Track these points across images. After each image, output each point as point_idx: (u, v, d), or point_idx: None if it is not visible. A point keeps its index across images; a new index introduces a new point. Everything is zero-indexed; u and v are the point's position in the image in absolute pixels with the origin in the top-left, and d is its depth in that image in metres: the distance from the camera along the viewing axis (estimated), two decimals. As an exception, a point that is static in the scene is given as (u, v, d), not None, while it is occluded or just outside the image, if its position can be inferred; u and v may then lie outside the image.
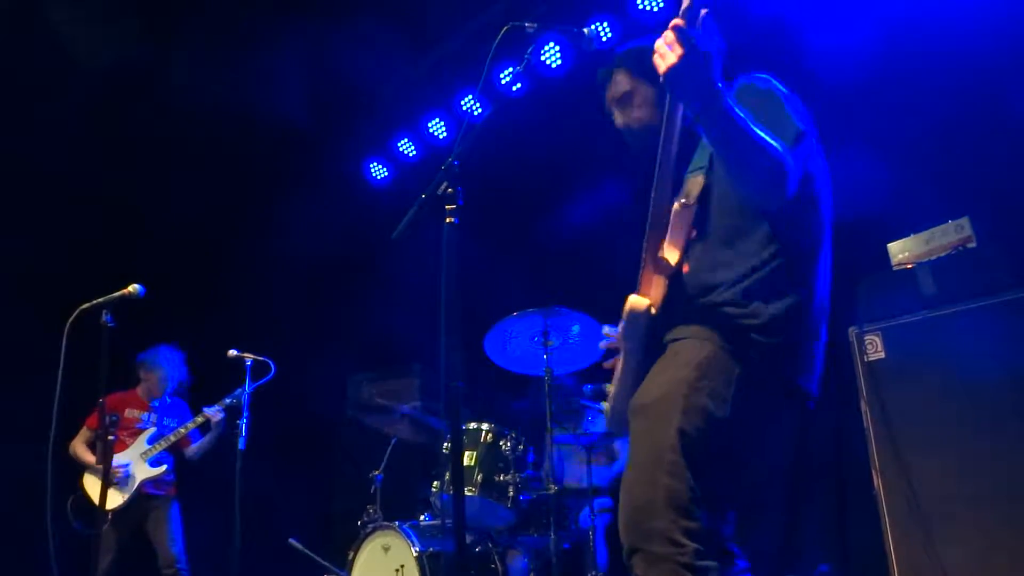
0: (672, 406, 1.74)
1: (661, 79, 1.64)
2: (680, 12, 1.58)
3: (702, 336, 1.79)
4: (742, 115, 1.67)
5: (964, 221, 3.08)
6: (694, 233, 1.87)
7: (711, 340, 1.77)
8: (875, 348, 3.07)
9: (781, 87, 1.94)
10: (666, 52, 1.62)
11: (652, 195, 1.87)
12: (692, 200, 1.87)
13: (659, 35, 1.64)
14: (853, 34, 4.06)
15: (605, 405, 2.03)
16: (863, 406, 3.05)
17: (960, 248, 3.05)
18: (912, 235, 3.20)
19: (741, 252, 1.83)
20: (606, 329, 2.17)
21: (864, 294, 3.18)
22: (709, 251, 1.86)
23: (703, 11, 1.58)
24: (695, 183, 1.89)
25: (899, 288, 3.09)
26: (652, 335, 1.84)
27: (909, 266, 3.13)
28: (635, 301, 1.85)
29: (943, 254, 3.07)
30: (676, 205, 1.88)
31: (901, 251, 3.21)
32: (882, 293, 3.13)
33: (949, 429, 2.84)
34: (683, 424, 1.72)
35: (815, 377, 1.86)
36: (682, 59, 1.59)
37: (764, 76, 1.97)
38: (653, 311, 1.85)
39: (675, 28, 1.59)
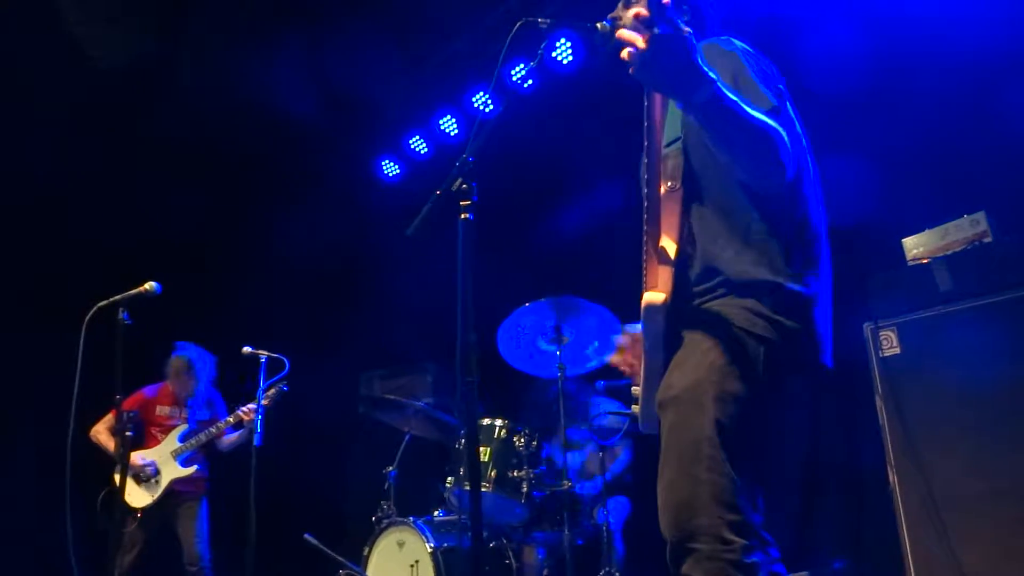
0: (704, 395, 1.69)
1: (633, 73, 1.53)
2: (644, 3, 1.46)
3: (720, 321, 1.75)
4: (734, 97, 1.58)
5: (980, 216, 3.06)
6: (685, 217, 1.83)
7: (730, 324, 1.74)
8: (890, 344, 3.05)
9: (743, 46, 1.88)
10: (633, 39, 1.49)
11: (644, 179, 1.83)
12: (677, 184, 1.82)
13: None
14: (863, 30, 4.04)
15: (635, 408, 1.99)
16: (878, 402, 3.04)
17: (976, 243, 3.03)
18: (927, 230, 3.18)
19: (736, 229, 1.80)
20: (620, 334, 2.16)
21: (879, 289, 3.16)
22: (704, 233, 1.83)
23: (665, 1, 1.46)
24: (675, 161, 1.83)
25: (914, 283, 3.07)
26: (669, 330, 1.80)
27: (924, 261, 3.11)
28: (651, 297, 1.78)
29: (959, 249, 3.05)
30: (663, 188, 1.84)
31: (916, 246, 3.19)
32: (897, 288, 3.11)
33: (965, 425, 2.82)
34: (718, 414, 1.67)
35: (829, 351, 1.83)
36: (655, 55, 1.48)
37: (724, 37, 1.91)
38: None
39: (636, 17, 1.46)
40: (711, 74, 1.54)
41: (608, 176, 5.08)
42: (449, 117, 5.97)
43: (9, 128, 5.27)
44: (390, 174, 6.47)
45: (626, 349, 2.14)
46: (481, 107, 5.70)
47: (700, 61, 1.52)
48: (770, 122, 1.64)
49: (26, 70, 5.21)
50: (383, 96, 6.17)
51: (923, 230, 3.19)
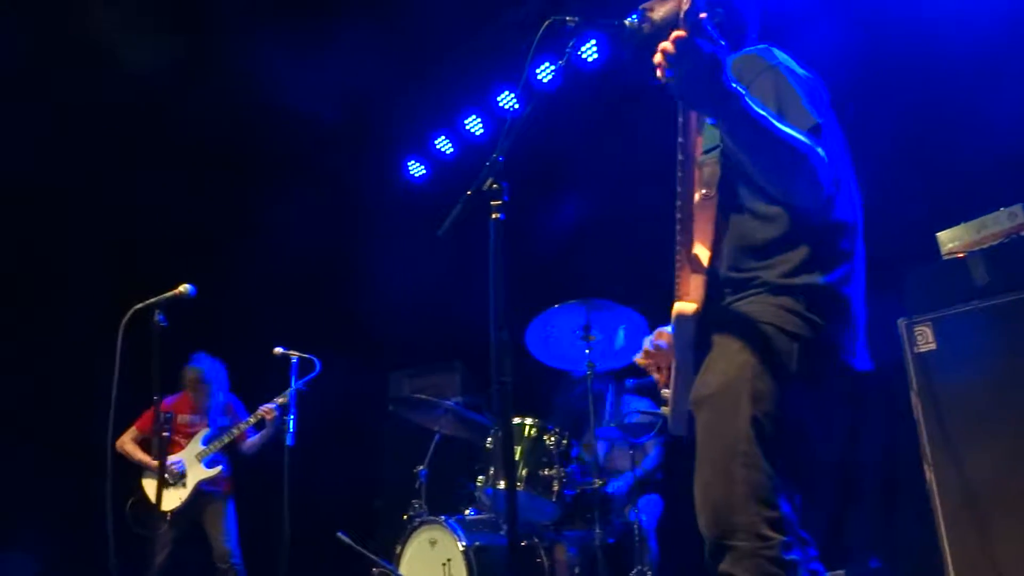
0: (739, 393, 1.70)
1: (670, 91, 1.58)
2: (680, 22, 1.50)
3: (753, 320, 1.75)
4: (764, 113, 1.60)
5: (1017, 208, 3.00)
6: (720, 224, 1.84)
7: (763, 322, 1.74)
8: (925, 339, 3.01)
9: (785, 59, 1.88)
10: (668, 63, 1.53)
11: (677, 191, 1.85)
12: (713, 191, 1.82)
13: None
14: (896, 20, 3.98)
15: (665, 409, 2.00)
16: (913, 399, 2.99)
17: (1013, 236, 2.97)
18: (963, 223, 3.12)
19: (770, 235, 1.80)
20: (647, 339, 2.16)
21: (913, 284, 3.11)
22: (738, 240, 1.83)
23: (702, 15, 1.49)
24: (712, 169, 1.84)
25: (950, 278, 3.02)
26: (700, 336, 1.81)
27: (960, 255, 3.05)
28: (682, 307, 1.80)
29: (996, 242, 2.99)
30: (697, 196, 1.85)
31: (951, 240, 3.14)
32: (932, 283, 3.06)
33: (1002, 422, 2.77)
34: (755, 411, 1.68)
35: (861, 355, 1.83)
36: (686, 69, 1.52)
37: (763, 46, 1.91)
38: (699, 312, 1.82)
39: (675, 41, 1.50)
40: (739, 89, 1.56)
41: (634, 173, 5.05)
42: (474, 117, 5.98)
43: (33, 131, 5.36)
44: (416, 175, 6.50)
45: (654, 353, 2.13)
46: (507, 106, 5.70)
47: (726, 76, 1.54)
48: (804, 140, 1.64)
49: (48, 71, 5.28)
50: (408, 97, 6.20)
51: (958, 223, 3.13)
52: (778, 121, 1.63)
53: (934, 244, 3.18)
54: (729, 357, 1.75)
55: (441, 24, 5.45)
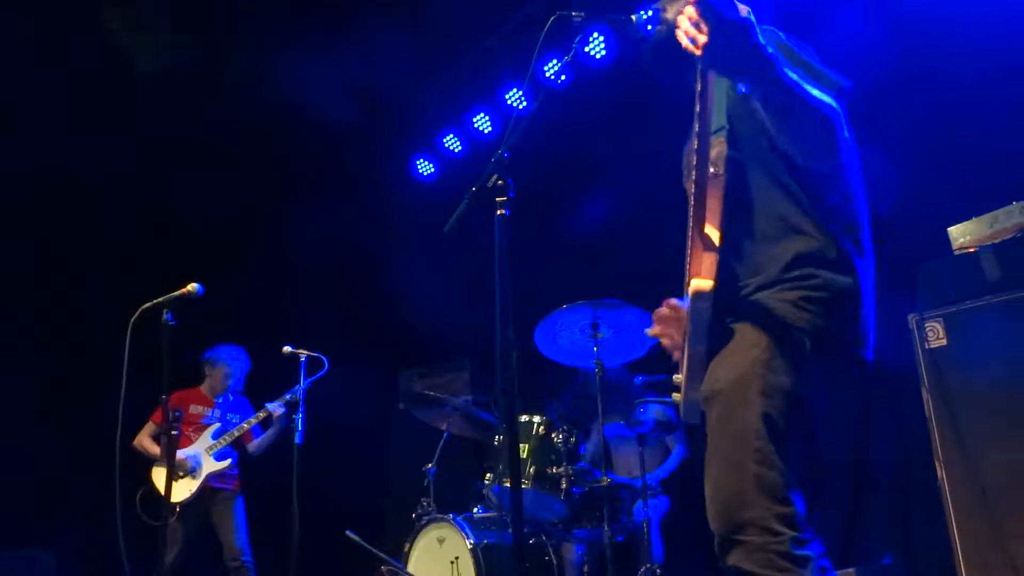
0: (749, 388, 1.69)
1: (698, 61, 1.57)
2: None
3: (765, 314, 1.74)
4: (795, 77, 1.61)
5: (1029, 203, 2.97)
6: (728, 204, 1.81)
7: (776, 317, 1.73)
8: (936, 335, 2.98)
9: (789, 40, 1.90)
10: (693, 31, 1.51)
11: (689, 165, 1.83)
12: (721, 169, 1.81)
13: None
14: (904, 13, 3.95)
15: (676, 396, 1.97)
16: (924, 395, 2.97)
17: (1026, 230, 2.94)
18: (974, 218, 3.09)
19: (781, 220, 1.79)
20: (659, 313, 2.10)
21: (924, 280, 3.08)
22: (748, 223, 1.82)
23: None
24: (719, 148, 1.83)
25: (961, 273, 2.99)
26: (714, 317, 1.78)
27: (971, 250, 3.02)
28: (700, 284, 1.75)
29: (1008, 237, 2.96)
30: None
31: (962, 235, 3.10)
32: (943, 279, 3.04)
33: (1014, 418, 2.74)
34: (765, 407, 1.67)
35: (871, 346, 1.82)
36: (714, 36, 1.49)
37: (769, 28, 1.90)
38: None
39: (697, 3, 1.48)
40: (775, 55, 1.57)
41: (642, 170, 5.03)
42: (483, 115, 5.96)
43: (48, 131, 5.39)
44: (425, 173, 6.50)
45: (666, 319, 2.08)
46: (515, 104, 5.68)
47: (762, 43, 1.54)
48: (829, 101, 1.67)
49: (63, 70, 5.31)
50: (417, 95, 6.20)
51: (970, 218, 3.10)
52: (810, 85, 1.65)
53: (945, 239, 3.14)
54: (741, 352, 1.74)
55: (448, 23, 5.45)
